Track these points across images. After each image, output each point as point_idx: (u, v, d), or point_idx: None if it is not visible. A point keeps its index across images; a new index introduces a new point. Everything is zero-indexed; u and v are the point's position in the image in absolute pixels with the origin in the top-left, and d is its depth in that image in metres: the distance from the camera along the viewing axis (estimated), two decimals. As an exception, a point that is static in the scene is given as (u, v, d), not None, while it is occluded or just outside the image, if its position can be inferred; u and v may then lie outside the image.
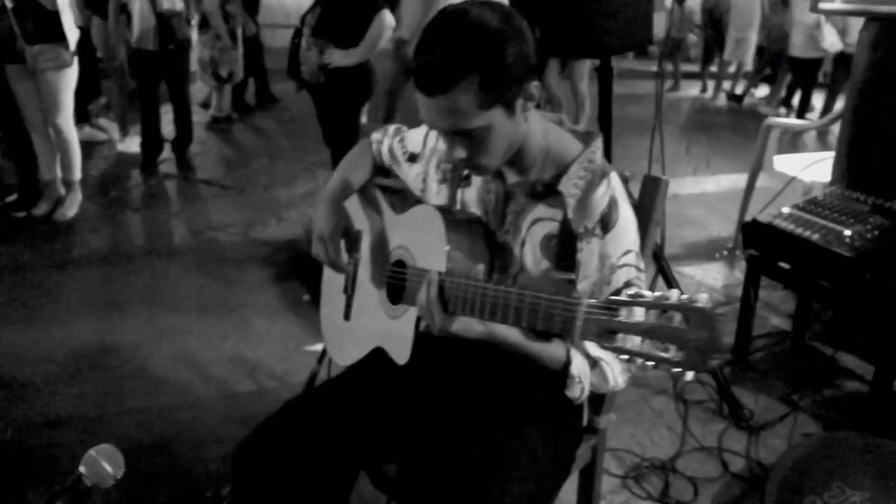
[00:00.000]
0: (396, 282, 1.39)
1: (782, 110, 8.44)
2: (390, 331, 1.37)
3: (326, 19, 3.47)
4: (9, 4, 3.60)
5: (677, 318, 0.88)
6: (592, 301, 0.98)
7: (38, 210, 4.15)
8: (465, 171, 1.37)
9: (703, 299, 0.87)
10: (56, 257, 3.65)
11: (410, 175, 1.51)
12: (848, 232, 2.35)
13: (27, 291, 3.25)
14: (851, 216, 2.44)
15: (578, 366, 1.24)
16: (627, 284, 1.23)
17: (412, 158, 1.51)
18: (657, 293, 0.91)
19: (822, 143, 6.48)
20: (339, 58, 3.45)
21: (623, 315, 0.93)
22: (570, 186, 1.25)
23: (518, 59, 1.14)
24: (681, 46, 9.97)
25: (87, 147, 5.08)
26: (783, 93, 8.77)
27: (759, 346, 2.92)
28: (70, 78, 3.91)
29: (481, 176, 1.35)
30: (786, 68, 8.31)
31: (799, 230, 2.43)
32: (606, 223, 1.24)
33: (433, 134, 1.47)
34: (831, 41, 7.35)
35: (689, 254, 3.98)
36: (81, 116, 5.37)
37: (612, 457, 2.24)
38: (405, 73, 3.99)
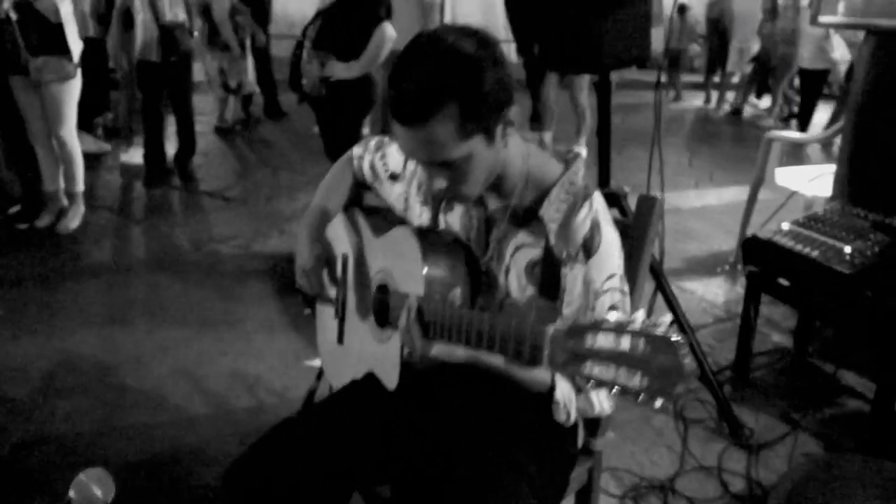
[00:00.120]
0: (382, 306, 1.38)
1: (794, 122, 8.35)
2: (379, 355, 1.36)
3: (327, 32, 3.48)
4: (13, 16, 3.62)
5: (641, 343, 0.85)
6: (558, 326, 0.95)
7: (40, 222, 4.17)
8: (446, 199, 1.36)
9: (664, 324, 0.84)
10: (58, 269, 3.65)
11: (392, 194, 1.50)
12: (848, 249, 2.33)
13: (28, 304, 3.25)
14: (852, 232, 2.42)
15: (563, 391, 1.23)
16: (612, 308, 1.21)
17: (394, 177, 1.49)
18: (620, 318, 0.87)
19: (827, 154, 6.44)
20: (339, 70, 3.45)
21: (589, 341, 0.89)
22: (551, 211, 1.24)
23: (496, 86, 1.12)
24: (681, 57, 9.97)
25: (91, 159, 5.09)
26: (780, 102, 8.73)
27: (760, 363, 2.90)
28: (73, 90, 3.92)
29: (462, 203, 1.34)
30: (779, 79, 8.29)
31: (799, 247, 2.41)
32: (589, 248, 1.21)
33: None
34: (840, 52, 7.35)
35: (690, 268, 3.96)
36: (86, 128, 5.40)
37: (610, 476, 2.22)
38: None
